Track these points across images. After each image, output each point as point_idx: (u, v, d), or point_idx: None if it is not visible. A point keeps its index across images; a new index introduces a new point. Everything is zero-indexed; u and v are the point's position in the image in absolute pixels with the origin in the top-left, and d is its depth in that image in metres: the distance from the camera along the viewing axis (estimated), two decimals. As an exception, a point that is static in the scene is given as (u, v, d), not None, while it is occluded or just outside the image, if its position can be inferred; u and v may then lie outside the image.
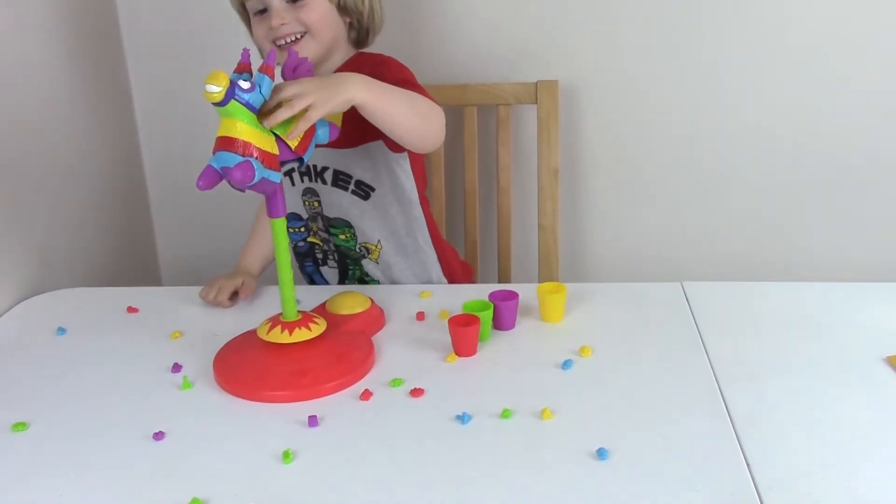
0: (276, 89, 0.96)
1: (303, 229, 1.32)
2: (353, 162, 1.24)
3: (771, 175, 1.62)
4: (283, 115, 0.94)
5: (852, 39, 1.52)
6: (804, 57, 1.54)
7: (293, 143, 0.97)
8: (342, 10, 1.22)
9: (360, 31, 1.26)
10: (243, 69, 0.94)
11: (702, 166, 1.63)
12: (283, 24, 1.16)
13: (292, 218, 1.32)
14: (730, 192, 1.64)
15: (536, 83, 1.52)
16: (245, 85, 0.92)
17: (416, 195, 1.28)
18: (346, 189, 1.25)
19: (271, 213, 1.01)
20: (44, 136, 1.40)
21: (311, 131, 1.00)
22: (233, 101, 0.91)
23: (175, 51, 1.63)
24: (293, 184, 1.29)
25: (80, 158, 1.51)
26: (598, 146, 1.64)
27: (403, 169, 1.26)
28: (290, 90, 0.95)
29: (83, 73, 1.52)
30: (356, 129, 1.15)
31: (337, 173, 1.25)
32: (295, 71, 1.01)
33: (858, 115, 1.57)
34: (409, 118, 1.08)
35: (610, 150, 1.64)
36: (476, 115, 1.53)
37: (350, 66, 1.24)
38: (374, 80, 1.05)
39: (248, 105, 0.92)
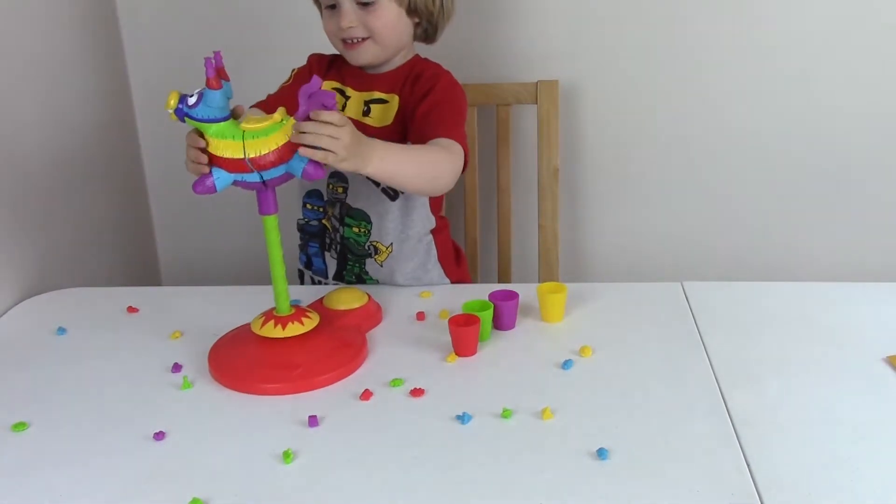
0: (318, 116, 0.96)
1: (321, 209, 1.32)
2: None
3: (771, 175, 1.62)
4: (305, 139, 0.95)
5: (853, 40, 1.52)
6: (805, 57, 1.54)
7: (251, 153, 0.96)
8: (412, 12, 1.23)
9: (428, 29, 1.27)
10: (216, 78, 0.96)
11: (702, 166, 1.63)
12: (350, 27, 1.19)
13: (314, 195, 1.32)
14: (730, 192, 1.64)
15: (536, 83, 1.52)
16: (191, 101, 0.95)
17: (428, 199, 1.29)
18: (377, 185, 1.26)
19: (262, 210, 1.02)
20: (43, 136, 1.40)
21: (287, 154, 0.97)
22: (186, 118, 0.96)
23: (175, 51, 1.63)
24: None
25: (80, 158, 1.51)
26: (598, 146, 1.64)
27: None
28: (330, 129, 0.96)
29: (83, 73, 1.53)
30: (397, 130, 1.19)
31: None
32: (310, 98, 0.98)
33: (859, 116, 1.57)
34: (416, 184, 1.13)
35: (610, 150, 1.64)
36: (476, 115, 1.53)
37: (406, 70, 1.26)
38: (394, 152, 1.08)
39: (198, 119, 0.95)
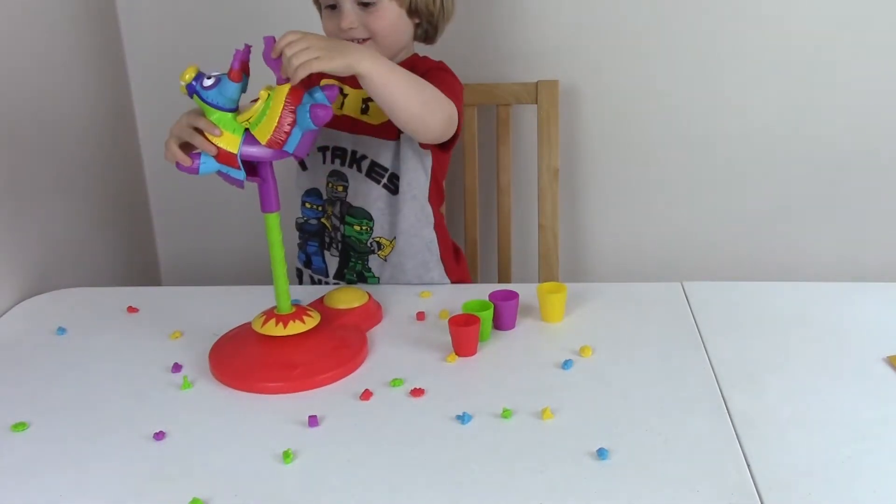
0: (280, 41, 0.97)
1: (320, 208, 1.32)
2: (391, 155, 1.25)
3: (771, 175, 1.62)
4: (287, 65, 0.96)
5: (853, 40, 1.52)
6: (804, 57, 1.54)
7: (263, 137, 0.96)
8: (412, 12, 1.22)
9: (428, 30, 1.27)
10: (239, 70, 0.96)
11: (702, 166, 1.63)
12: (351, 28, 1.18)
13: (313, 194, 1.32)
14: (730, 192, 1.64)
15: (536, 83, 1.52)
16: (207, 82, 0.95)
17: (428, 192, 1.29)
18: (378, 182, 1.26)
19: (263, 208, 1.03)
20: (43, 135, 1.40)
21: (292, 119, 0.97)
22: (195, 96, 0.96)
23: (175, 51, 1.63)
24: (323, 162, 1.29)
25: (81, 159, 1.51)
26: (598, 146, 1.64)
27: (425, 166, 1.27)
28: (297, 44, 0.96)
29: (83, 73, 1.53)
30: (395, 127, 1.18)
31: (373, 164, 1.25)
32: (276, 61, 0.99)
33: (859, 116, 1.57)
34: (412, 104, 1.09)
35: (610, 150, 1.64)
36: (476, 115, 1.53)
37: (405, 67, 1.25)
38: (385, 59, 1.06)
39: (207, 102, 0.96)
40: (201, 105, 0.97)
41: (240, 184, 1.00)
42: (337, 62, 0.99)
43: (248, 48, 0.97)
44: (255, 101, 0.98)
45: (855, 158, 1.59)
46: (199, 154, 0.98)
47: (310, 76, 0.98)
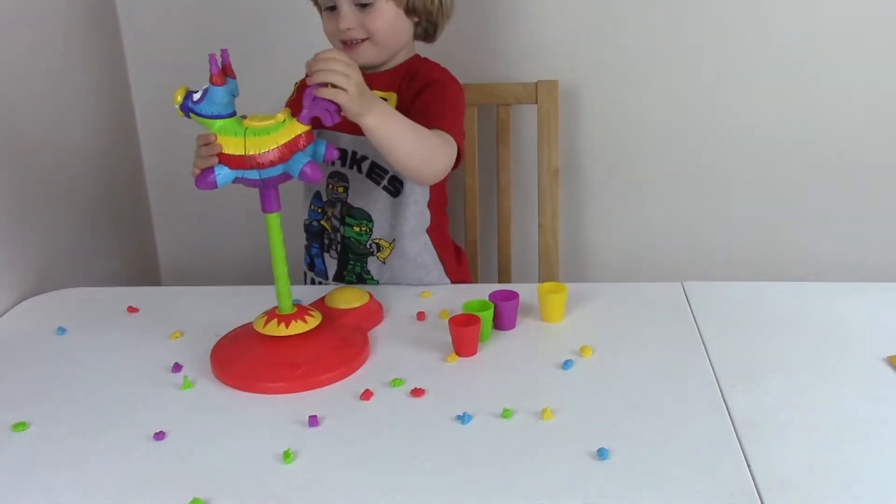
0: (325, 59, 0.99)
1: (320, 210, 1.32)
2: None
3: (771, 175, 1.63)
4: (317, 76, 0.98)
5: (852, 40, 1.52)
6: (804, 57, 1.54)
7: (252, 150, 0.95)
8: (410, 11, 1.23)
9: (428, 28, 1.27)
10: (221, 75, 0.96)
11: (702, 166, 1.63)
12: (349, 29, 1.19)
13: (314, 196, 1.32)
14: (730, 192, 1.64)
15: (536, 83, 1.52)
16: (196, 96, 0.96)
17: (429, 196, 1.29)
18: (378, 183, 1.26)
19: (264, 208, 1.02)
20: (44, 136, 1.40)
21: (287, 154, 0.97)
22: (191, 114, 0.96)
23: (175, 51, 1.63)
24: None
25: (81, 158, 1.51)
26: (598, 146, 1.64)
27: None
28: (338, 64, 0.98)
29: (83, 74, 1.53)
30: None
31: (374, 165, 1.26)
32: (314, 101, 0.99)
33: (858, 116, 1.57)
34: (410, 159, 1.11)
35: (610, 150, 1.64)
36: (476, 115, 1.53)
37: (405, 69, 1.26)
38: (396, 115, 1.08)
39: (203, 115, 0.96)
40: (201, 121, 0.97)
41: (259, 184, 0.99)
42: (354, 106, 1.01)
43: (224, 52, 0.97)
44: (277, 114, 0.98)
45: (855, 158, 1.59)
46: (213, 169, 0.97)
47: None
